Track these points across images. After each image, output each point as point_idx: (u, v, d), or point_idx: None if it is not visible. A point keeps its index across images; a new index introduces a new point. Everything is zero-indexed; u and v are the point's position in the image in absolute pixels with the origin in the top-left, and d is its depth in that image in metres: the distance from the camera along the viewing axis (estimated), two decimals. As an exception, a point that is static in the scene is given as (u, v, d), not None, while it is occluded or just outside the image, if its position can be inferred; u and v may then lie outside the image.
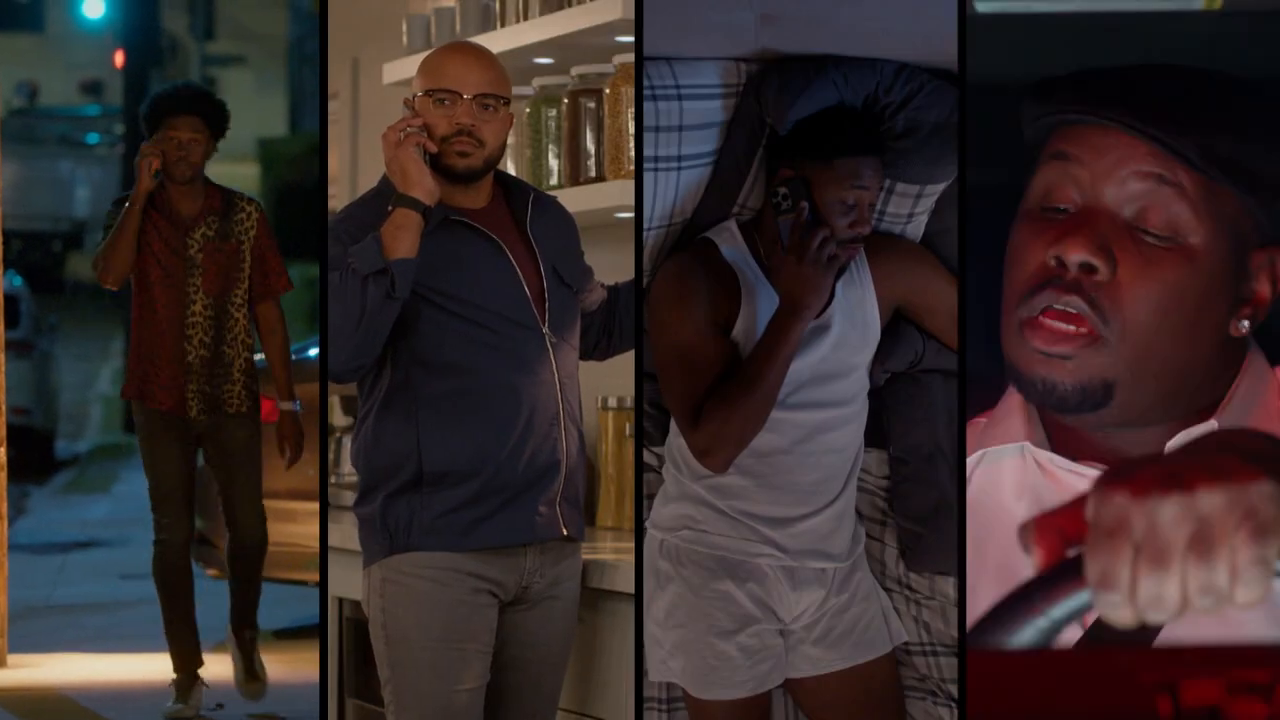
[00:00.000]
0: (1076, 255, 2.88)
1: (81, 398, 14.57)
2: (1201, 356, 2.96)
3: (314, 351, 6.09)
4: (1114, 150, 2.93)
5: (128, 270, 5.12)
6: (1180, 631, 2.55)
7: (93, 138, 18.88)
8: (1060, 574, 1.74)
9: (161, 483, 5.16)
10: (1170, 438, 2.98)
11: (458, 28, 4.37)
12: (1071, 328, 2.90)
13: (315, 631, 6.25)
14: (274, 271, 5.22)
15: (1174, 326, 2.91)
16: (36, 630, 6.80)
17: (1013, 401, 3.10)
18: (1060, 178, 2.95)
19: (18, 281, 12.16)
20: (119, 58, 18.84)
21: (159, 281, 5.13)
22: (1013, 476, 3.06)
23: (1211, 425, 2.94)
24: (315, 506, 5.52)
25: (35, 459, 12.06)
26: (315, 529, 4.63)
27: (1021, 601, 1.77)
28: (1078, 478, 2.99)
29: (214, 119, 5.14)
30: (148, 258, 5.13)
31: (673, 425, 3.39)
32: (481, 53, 3.39)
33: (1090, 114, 2.97)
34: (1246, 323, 2.98)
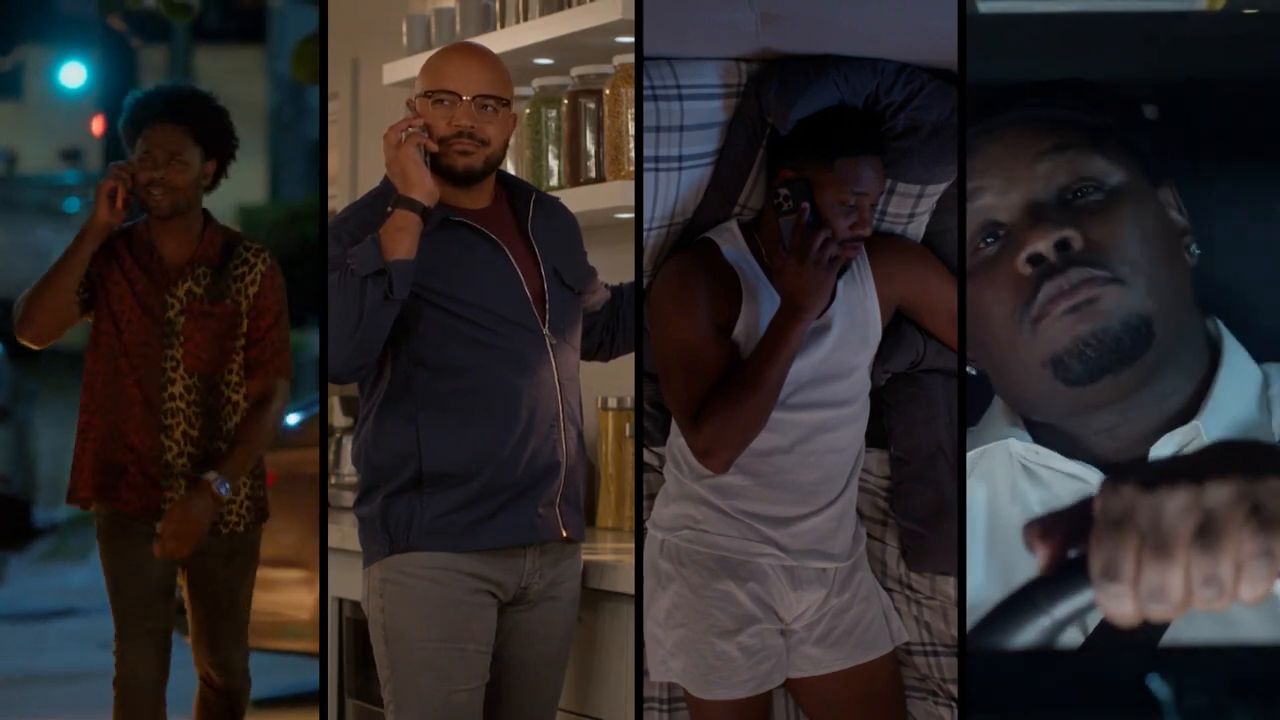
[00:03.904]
0: (1045, 241, 2.89)
1: (61, 465, 14.39)
2: (1189, 298, 2.97)
3: (292, 420, 5.93)
4: (1001, 158, 2.94)
5: (56, 326, 3.77)
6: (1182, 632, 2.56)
7: (72, 205, 18.74)
8: (1063, 573, 1.74)
9: (126, 609, 3.80)
10: (1153, 440, 2.98)
11: (458, 28, 4.37)
12: (1084, 286, 2.89)
13: (300, 701, 6.22)
14: (271, 346, 3.86)
15: (1163, 260, 2.92)
16: (16, 700, 6.77)
17: (996, 408, 3.10)
18: (976, 216, 2.95)
19: None
20: (97, 125, 18.78)
21: (126, 351, 3.80)
22: (1002, 477, 3.06)
23: (1196, 426, 2.94)
24: (297, 574, 5.40)
25: (13, 527, 12.02)
26: (298, 597, 4.53)
27: (1024, 601, 1.77)
28: (1064, 478, 3.00)
29: (210, 133, 3.84)
30: (107, 319, 3.80)
31: (673, 425, 3.39)
32: (482, 54, 3.39)
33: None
34: (1196, 248, 2.99)
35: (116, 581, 3.82)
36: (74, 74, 20.60)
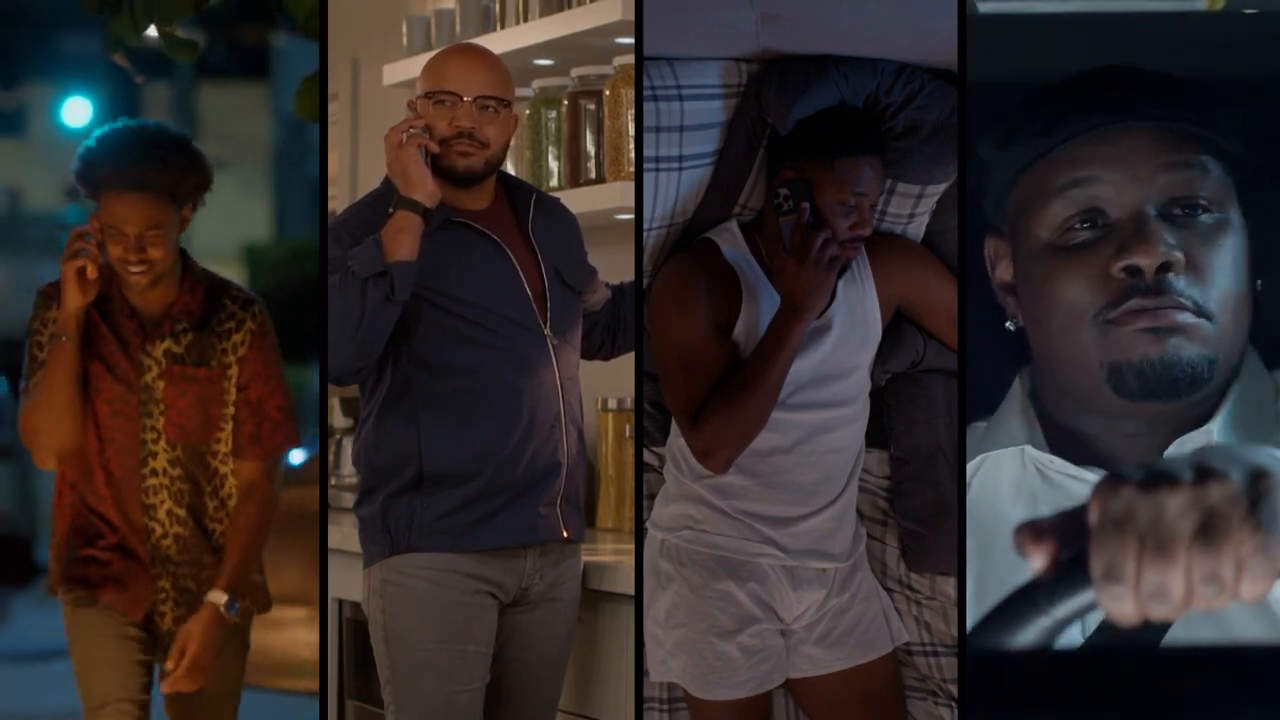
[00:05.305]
0: (1152, 259, 2.87)
1: (63, 504, 14.45)
2: (1247, 333, 2.97)
3: (297, 458, 5.78)
4: (1127, 156, 2.92)
5: (72, 440, 3.28)
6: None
7: None
8: (1064, 573, 1.74)
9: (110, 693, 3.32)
10: (1165, 446, 2.98)
11: (458, 29, 4.37)
12: (1176, 315, 2.88)
13: (298, 740, 6.17)
14: (269, 419, 3.37)
15: (1241, 296, 2.92)
16: (19, 740, 6.76)
17: (1013, 405, 3.09)
18: (1082, 200, 2.93)
19: (2, 389, 12.08)
20: (99, 162, 18.80)
21: (99, 419, 3.31)
22: (1011, 480, 3.05)
23: (1209, 432, 2.94)
24: (301, 612, 5.35)
25: (16, 565, 11.99)
26: (301, 635, 4.45)
27: (1024, 601, 1.77)
28: (1076, 482, 2.99)
29: (183, 183, 3.28)
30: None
31: (673, 425, 3.39)
32: (483, 55, 3.39)
33: (1087, 128, 2.95)
34: (1261, 283, 2.99)
35: (85, 685, 3.33)
36: (78, 111, 20.59)
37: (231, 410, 3.34)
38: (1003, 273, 3.04)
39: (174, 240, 3.28)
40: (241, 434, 3.35)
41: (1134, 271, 2.87)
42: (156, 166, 3.26)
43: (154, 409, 3.31)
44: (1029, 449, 3.00)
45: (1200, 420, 2.95)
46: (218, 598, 3.31)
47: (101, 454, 3.32)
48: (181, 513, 3.33)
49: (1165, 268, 2.87)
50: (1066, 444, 3.00)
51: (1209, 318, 2.88)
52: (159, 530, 3.32)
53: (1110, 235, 2.90)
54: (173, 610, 3.34)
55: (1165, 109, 2.93)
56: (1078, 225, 2.92)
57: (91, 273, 3.22)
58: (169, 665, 3.29)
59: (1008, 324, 3.05)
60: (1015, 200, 2.98)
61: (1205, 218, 2.91)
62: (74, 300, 3.22)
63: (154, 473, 3.31)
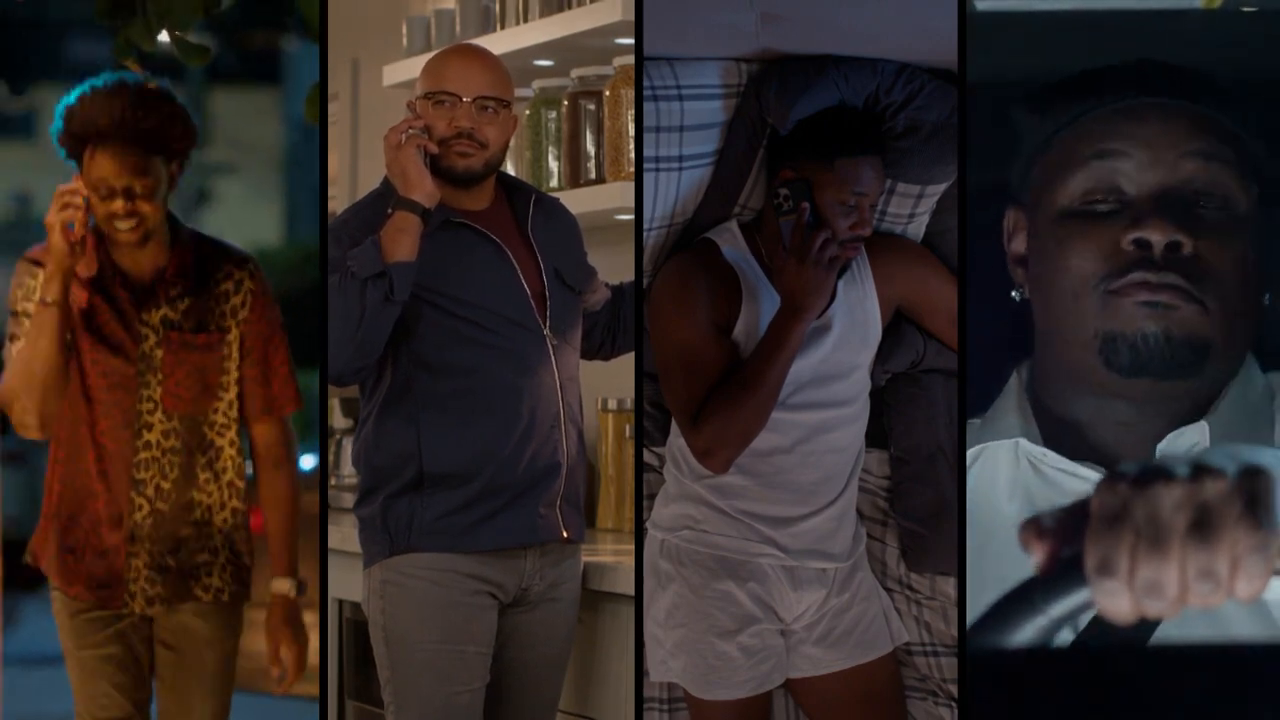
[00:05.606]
0: (1162, 235, 2.90)
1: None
2: (1251, 343, 2.98)
3: (307, 464, 5.72)
4: (1155, 137, 2.93)
5: (51, 407, 3.15)
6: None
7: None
8: (1060, 571, 1.74)
9: (92, 713, 3.30)
10: (1158, 438, 2.98)
11: (458, 29, 4.38)
12: (1172, 292, 2.90)
13: (302, 747, 6.13)
14: (277, 377, 3.32)
15: (1247, 301, 2.93)
16: (28, 746, 6.73)
17: (1009, 401, 3.10)
18: (1104, 175, 2.95)
19: None
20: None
21: (90, 395, 3.21)
22: (1006, 475, 3.05)
23: (1203, 427, 2.95)
24: (305, 617, 5.33)
25: (26, 569, 11.91)
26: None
27: (1021, 600, 1.77)
28: (1070, 478, 2.99)
29: (170, 135, 3.21)
30: (71, 356, 3.19)
31: (673, 425, 3.39)
32: (483, 55, 3.39)
33: (1118, 102, 2.96)
34: (1269, 298, 3.00)
35: (77, 681, 3.33)
36: (86, 116, 20.55)
37: (234, 376, 3.28)
38: (1018, 245, 3.06)
39: (163, 196, 3.19)
40: (253, 397, 3.31)
41: (1143, 245, 2.89)
42: (140, 116, 3.17)
43: (151, 378, 3.22)
44: (1023, 442, 3.00)
45: (1192, 415, 2.95)
46: (282, 586, 3.32)
47: (94, 427, 3.24)
48: (167, 486, 3.25)
49: (1175, 246, 2.89)
50: (1061, 436, 3.00)
51: (1208, 305, 2.89)
52: (145, 507, 3.24)
53: (1126, 209, 2.92)
54: (146, 589, 3.28)
55: (1198, 97, 2.95)
56: (1097, 198, 2.94)
57: (79, 230, 3.11)
58: (275, 672, 3.32)
59: (1013, 294, 3.07)
60: (1041, 168, 2.99)
61: (1221, 212, 2.92)
62: (61, 255, 3.11)
63: (147, 445, 3.23)
